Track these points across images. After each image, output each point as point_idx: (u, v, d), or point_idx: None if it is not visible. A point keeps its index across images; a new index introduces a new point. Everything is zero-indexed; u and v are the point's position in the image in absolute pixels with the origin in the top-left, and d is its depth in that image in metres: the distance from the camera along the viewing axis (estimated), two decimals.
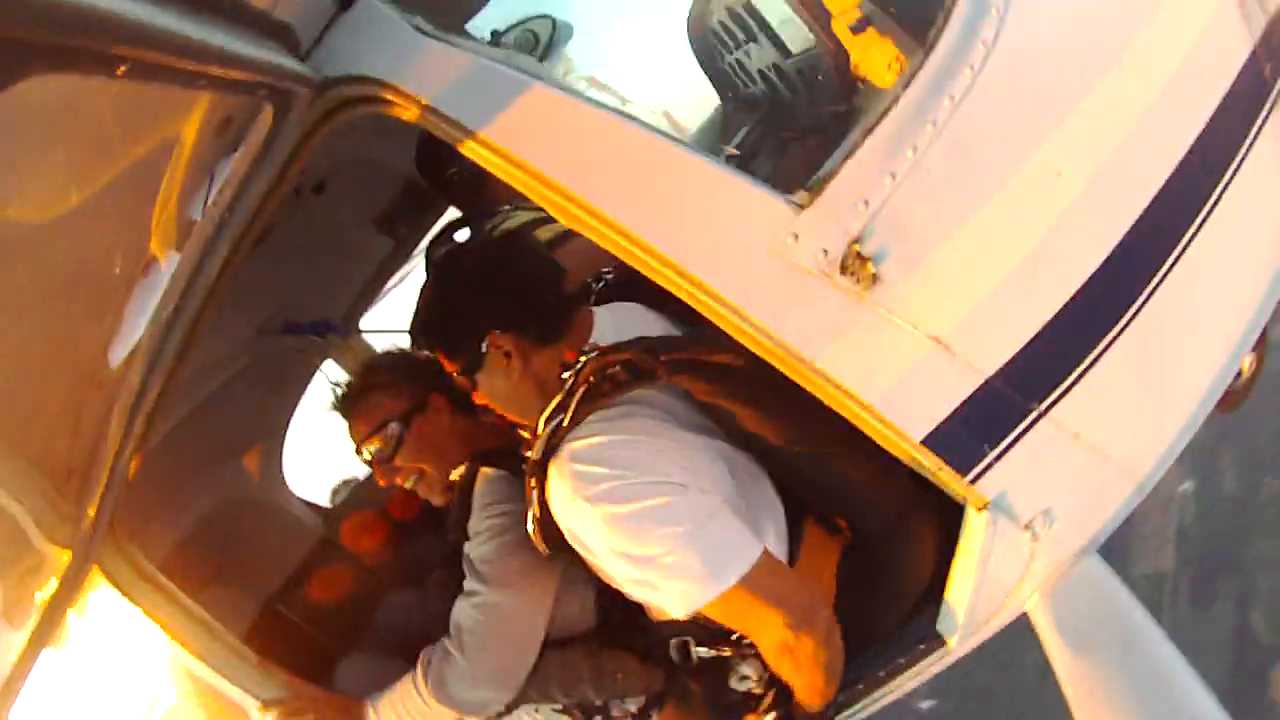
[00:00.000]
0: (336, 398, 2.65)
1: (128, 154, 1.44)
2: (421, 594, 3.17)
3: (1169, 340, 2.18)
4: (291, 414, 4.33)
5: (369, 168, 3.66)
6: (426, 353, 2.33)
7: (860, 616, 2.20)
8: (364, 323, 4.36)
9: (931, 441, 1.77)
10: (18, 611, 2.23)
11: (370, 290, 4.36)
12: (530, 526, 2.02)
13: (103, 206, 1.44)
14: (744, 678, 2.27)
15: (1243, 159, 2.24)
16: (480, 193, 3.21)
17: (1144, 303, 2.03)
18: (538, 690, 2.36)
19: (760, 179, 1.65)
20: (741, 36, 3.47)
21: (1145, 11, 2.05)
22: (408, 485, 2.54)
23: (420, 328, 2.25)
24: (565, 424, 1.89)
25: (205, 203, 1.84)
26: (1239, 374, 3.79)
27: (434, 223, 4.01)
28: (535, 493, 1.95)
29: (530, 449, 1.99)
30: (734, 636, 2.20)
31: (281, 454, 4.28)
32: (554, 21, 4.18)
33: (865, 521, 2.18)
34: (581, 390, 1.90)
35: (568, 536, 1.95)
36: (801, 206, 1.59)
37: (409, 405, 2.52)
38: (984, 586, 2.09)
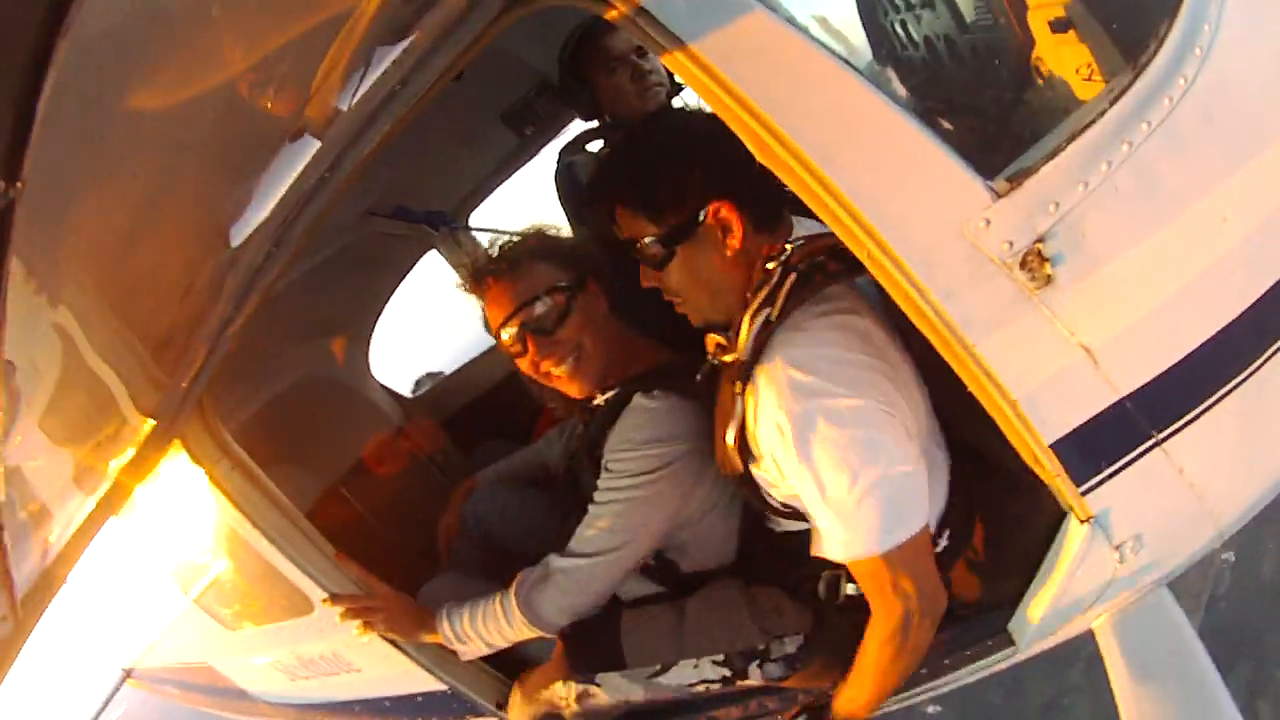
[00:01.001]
0: (491, 261, 2.46)
1: (301, 20, 1.47)
2: (522, 497, 3.15)
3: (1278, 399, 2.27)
4: (385, 301, 4.35)
5: (507, 61, 3.60)
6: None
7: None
8: (473, 219, 4.37)
9: (1059, 447, 1.86)
10: (90, 477, 2.30)
11: (485, 186, 4.35)
12: (731, 438, 1.93)
13: (268, 67, 1.47)
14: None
15: None
16: (617, 106, 3.17)
17: (1268, 358, 2.10)
18: (701, 642, 2.36)
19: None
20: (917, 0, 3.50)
21: None
22: (557, 372, 2.37)
23: (626, 181, 2.00)
24: (774, 318, 1.82)
25: (355, 91, 1.85)
26: None
27: (562, 127, 3.98)
28: (740, 399, 1.87)
29: (723, 350, 1.93)
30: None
31: (370, 339, 4.32)
32: None
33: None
34: (790, 281, 1.83)
35: (759, 445, 1.90)
36: (999, 195, 1.67)
37: (574, 278, 2.40)
38: (1064, 596, 2.19)
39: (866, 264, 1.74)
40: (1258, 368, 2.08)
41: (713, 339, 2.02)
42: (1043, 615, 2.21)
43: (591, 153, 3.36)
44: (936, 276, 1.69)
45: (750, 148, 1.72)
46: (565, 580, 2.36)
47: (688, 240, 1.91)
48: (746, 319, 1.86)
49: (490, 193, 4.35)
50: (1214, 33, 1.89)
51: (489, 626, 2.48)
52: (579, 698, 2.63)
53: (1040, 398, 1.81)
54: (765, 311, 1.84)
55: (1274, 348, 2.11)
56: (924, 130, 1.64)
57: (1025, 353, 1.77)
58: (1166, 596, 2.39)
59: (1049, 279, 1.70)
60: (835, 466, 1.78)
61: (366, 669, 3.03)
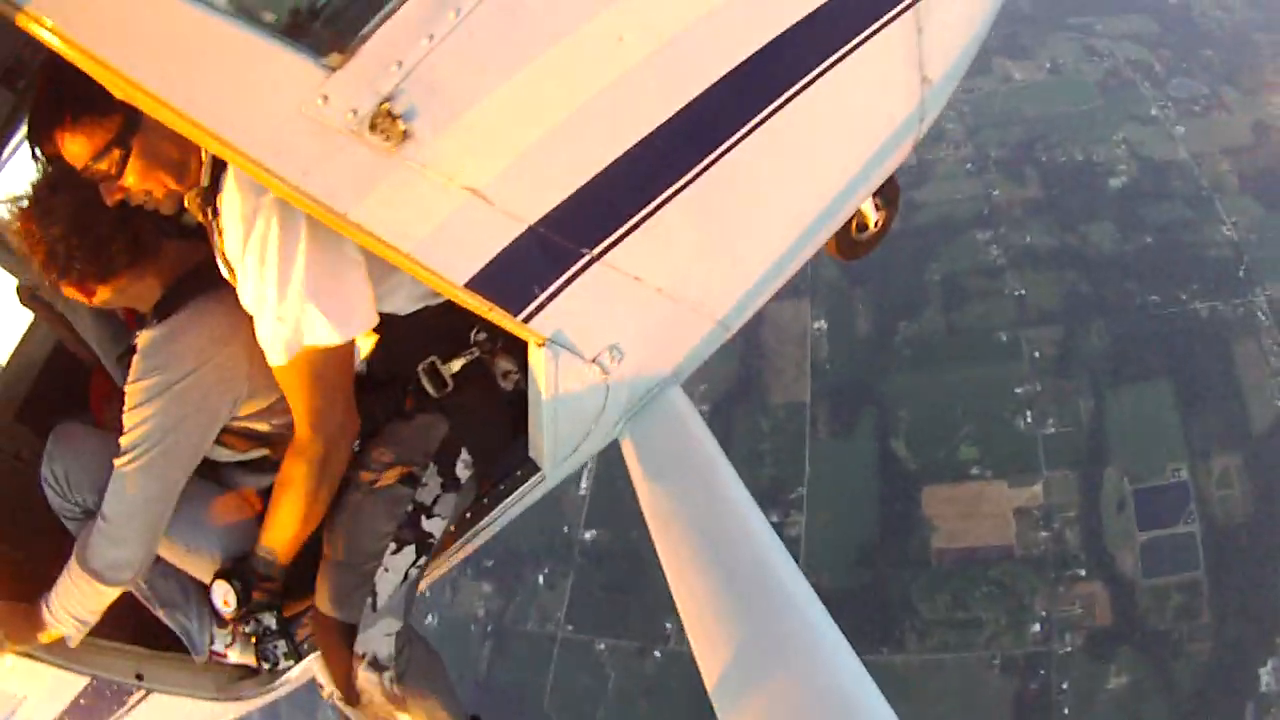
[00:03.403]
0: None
1: None
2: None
3: (741, 196, 2.55)
4: None
5: None
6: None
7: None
8: None
9: (477, 284, 2.05)
10: None
11: None
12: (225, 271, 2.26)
13: None
14: (507, 373, 2.61)
15: (862, 43, 2.57)
16: None
17: (709, 164, 2.35)
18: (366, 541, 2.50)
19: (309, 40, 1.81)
20: None
21: None
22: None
23: (59, 109, 2.11)
24: None
25: None
26: (865, 226, 4.35)
27: None
28: (214, 225, 2.21)
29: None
30: (477, 334, 2.54)
31: None
32: None
33: None
34: None
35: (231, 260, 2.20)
36: (333, 69, 1.74)
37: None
38: (562, 415, 2.45)
39: (236, 164, 1.83)
40: (699, 172, 2.34)
41: (190, 198, 2.25)
42: (550, 436, 2.47)
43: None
44: (287, 161, 1.78)
45: (107, 88, 1.72)
46: (109, 529, 2.44)
47: (138, 129, 2.08)
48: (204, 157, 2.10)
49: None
50: None
51: (70, 600, 2.52)
52: (385, 678, 2.66)
53: (436, 245, 1.97)
54: None
55: (718, 151, 2.36)
56: (241, 27, 1.69)
57: (404, 208, 1.91)
58: (675, 394, 2.71)
59: (405, 134, 1.82)
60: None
61: (29, 693, 2.97)
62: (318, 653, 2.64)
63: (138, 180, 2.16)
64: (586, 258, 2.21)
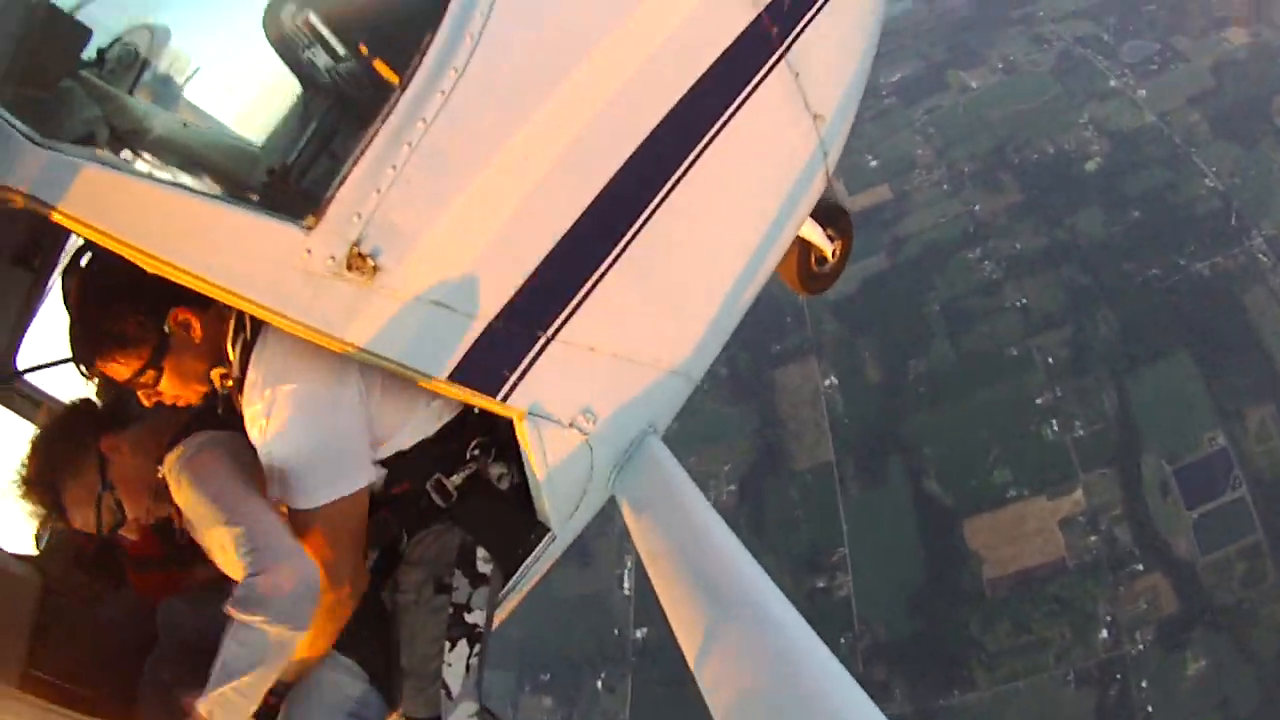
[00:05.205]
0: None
1: None
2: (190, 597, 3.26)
3: (672, 257, 3.02)
4: None
5: None
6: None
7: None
8: (20, 363, 4.35)
9: (457, 377, 2.54)
10: None
11: (17, 329, 4.35)
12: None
13: None
14: (500, 476, 3.02)
15: (745, 100, 3.08)
16: None
17: (634, 235, 2.85)
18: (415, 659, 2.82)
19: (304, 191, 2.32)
20: (307, 39, 4.09)
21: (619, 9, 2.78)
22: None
23: (95, 342, 2.63)
24: (249, 339, 2.56)
25: None
26: (824, 259, 4.75)
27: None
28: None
29: (226, 376, 2.65)
30: (473, 450, 2.97)
31: None
32: (151, 30, 4.59)
33: None
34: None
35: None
36: (310, 228, 2.27)
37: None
38: (556, 477, 2.90)
39: (249, 311, 2.33)
40: (624, 247, 2.84)
41: (216, 373, 2.71)
42: (551, 498, 2.92)
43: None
44: (290, 303, 2.29)
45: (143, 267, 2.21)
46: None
47: (168, 353, 2.62)
48: (231, 349, 2.61)
49: (25, 333, 4.49)
50: (488, 16, 2.50)
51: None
52: None
53: (417, 351, 2.47)
54: (240, 337, 2.57)
55: (637, 225, 2.86)
56: (238, 209, 2.25)
57: (386, 325, 2.41)
58: (653, 442, 3.15)
59: (376, 269, 2.34)
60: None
61: None
62: None
63: (171, 390, 2.70)
64: (543, 339, 2.70)
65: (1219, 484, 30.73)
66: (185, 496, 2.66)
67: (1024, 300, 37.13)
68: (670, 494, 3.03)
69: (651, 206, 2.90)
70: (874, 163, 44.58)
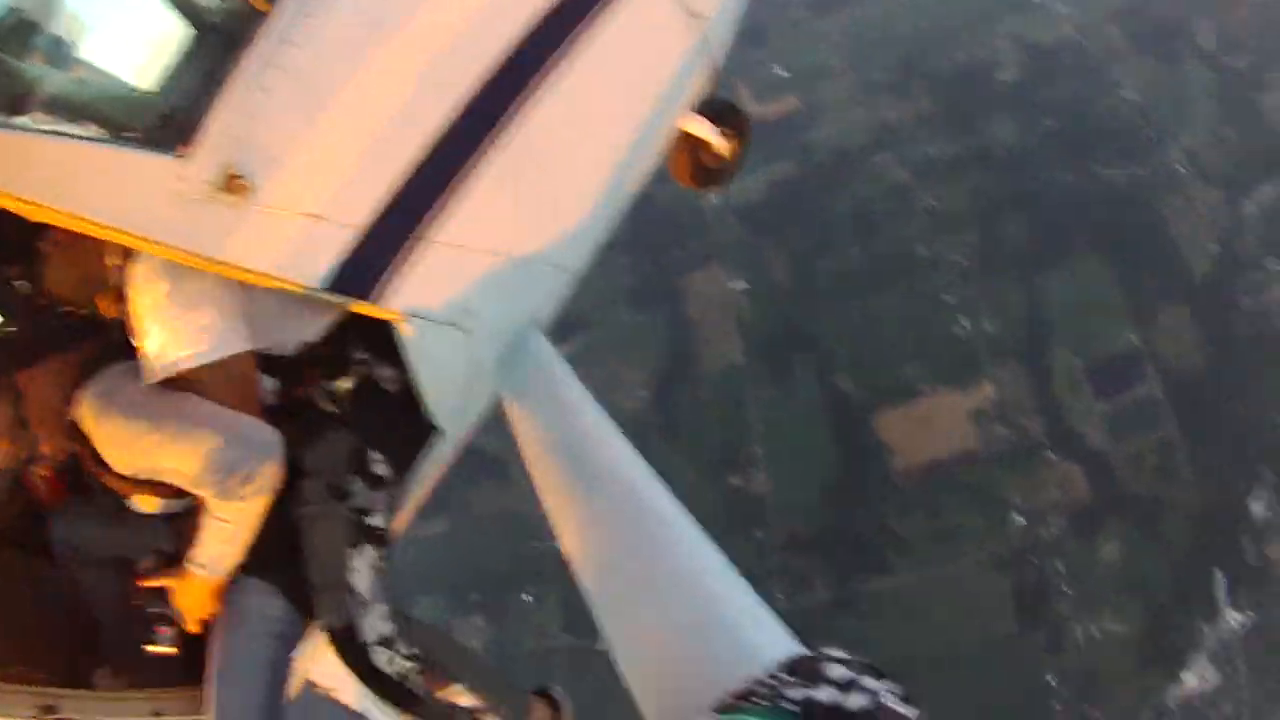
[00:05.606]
0: None
1: None
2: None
3: (541, 153, 3.15)
4: None
5: None
6: None
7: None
8: None
9: (333, 285, 2.74)
10: None
11: None
12: None
13: None
14: (389, 378, 3.17)
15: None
16: None
17: (500, 135, 3.01)
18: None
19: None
20: None
21: None
22: None
23: None
24: None
25: None
26: (719, 156, 4.83)
27: None
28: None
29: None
30: (357, 355, 3.12)
31: None
32: None
33: None
34: None
35: None
36: (182, 156, 2.43)
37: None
38: (440, 376, 3.12)
39: (130, 245, 2.50)
40: (492, 144, 3.00)
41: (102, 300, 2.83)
42: (436, 396, 3.14)
43: None
44: (173, 230, 2.46)
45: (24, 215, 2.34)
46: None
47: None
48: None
49: None
50: None
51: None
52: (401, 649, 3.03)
53: (293, 262, 2.67)
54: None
55: (503, 122, 3.01)
56: (109, 148, 2.44)
57: (264, 241, 2.60)
58: (534, 338, 3.39)
59: (248, 187, 2.51)
60: None
61: None
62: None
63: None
64: (415, 240, 2.89)
65: (1130, 378, 31.62)
66: (113, 429, 2.73)
67: (934, 204, 37.32)
68: (548, 383, 3.26)
69: (516, 106, 3.04)
70: (784, 74, 44.28)
